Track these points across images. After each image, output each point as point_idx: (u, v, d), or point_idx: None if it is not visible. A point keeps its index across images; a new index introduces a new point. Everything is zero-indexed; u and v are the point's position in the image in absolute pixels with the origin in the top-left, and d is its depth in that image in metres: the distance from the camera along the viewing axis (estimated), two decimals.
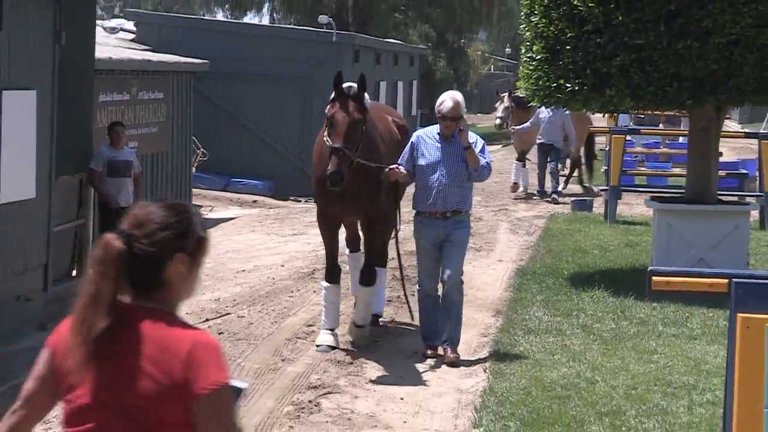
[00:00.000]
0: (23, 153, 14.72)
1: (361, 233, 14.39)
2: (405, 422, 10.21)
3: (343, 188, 12.12)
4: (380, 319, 14.81)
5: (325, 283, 13.58)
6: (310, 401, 10.83)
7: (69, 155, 17.04)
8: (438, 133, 13.03)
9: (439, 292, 13.15)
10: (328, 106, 12.67)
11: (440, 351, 12.85)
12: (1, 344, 13.77)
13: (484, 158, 12.92)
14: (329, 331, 13.28)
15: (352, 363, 12.71)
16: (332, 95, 12.72)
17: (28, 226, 15.03)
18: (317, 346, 13.19)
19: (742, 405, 5.77)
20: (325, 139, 12.47)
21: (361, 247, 14.56)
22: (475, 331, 14.04)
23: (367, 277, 13.54)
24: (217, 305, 15.97)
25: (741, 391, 5.74)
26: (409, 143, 13.31)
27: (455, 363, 12.53)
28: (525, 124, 27.41)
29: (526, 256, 19.89)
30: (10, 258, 14.36)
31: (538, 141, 28.13)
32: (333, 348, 13.10)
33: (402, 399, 11.00)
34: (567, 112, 25.34)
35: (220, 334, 13.70)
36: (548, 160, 28.19)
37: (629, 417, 10.23)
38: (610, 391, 11.12)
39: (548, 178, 28.52)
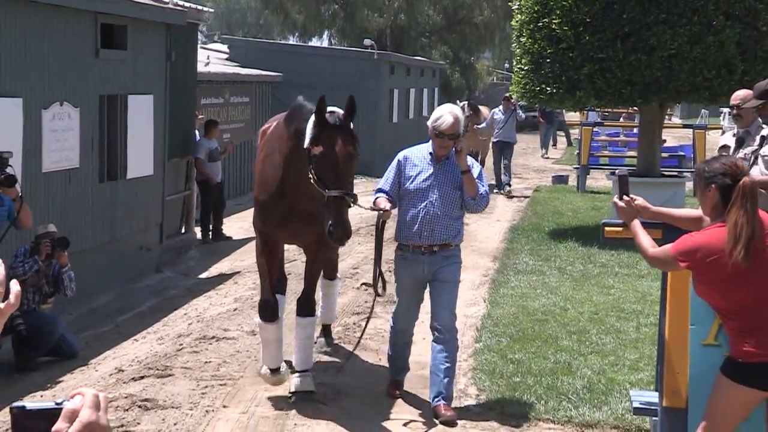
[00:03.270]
0: (144, 141, 14.86)
1: (304, 255, 9.58)
2: (423, 338, 10.12)
3: (295, 209, 8.03)
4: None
5: (260, 321, 8.51)
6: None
7: (177, 143, 17.14)
8: (430, 153, 8.24)
9: (414, 337, 8.76)
10: (311, 140, 7.38)
11: (436, 407, 7.95)
12: (129, 283, 13.84)
13: (483, 186, 8.28)
14: (273, 372, 8.45)
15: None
16: (313, 125, 7.44)
17: (148, 196, 15.16)
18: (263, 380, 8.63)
19: (672, 323, 5.72)
20: (311, 178, 7.35)
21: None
22: (478, 272, 13.94)
23: (306, 306, 8.53)
24: None
25: (671, 311, 5.70)
26: (395, 162, 8.40)
27: (451, 422, 7.84)
28: (482, 125, 25.81)
29: (518, 217, 19.83)
30: (134, 219, 14.49)
31: (494, 140, 25.29)
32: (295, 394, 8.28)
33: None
34: (521, 114, 24.46)
35: None
36: (502, 157, 25.08)
37: (591, 334, 10.21)
38: (577, 315, 11.10)
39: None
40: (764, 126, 9.34)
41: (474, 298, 12.23)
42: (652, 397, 6.14)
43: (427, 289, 8.31)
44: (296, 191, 7.92)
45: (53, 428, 1.86)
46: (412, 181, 8.15)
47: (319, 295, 9.36)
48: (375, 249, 8.30)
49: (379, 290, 8.22)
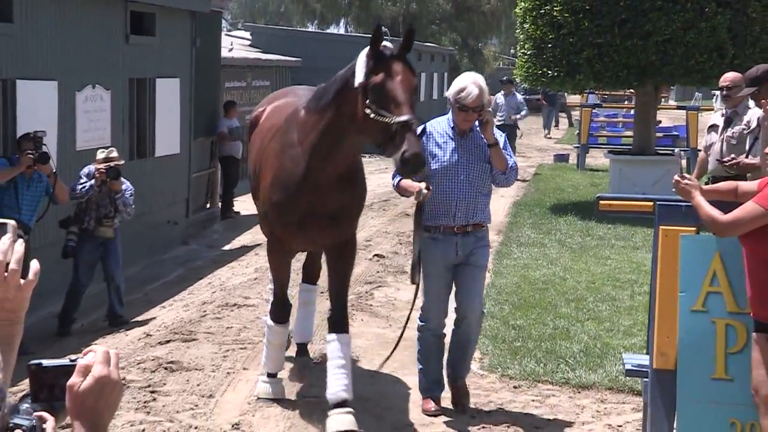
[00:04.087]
0: (171, 122, 14.85)
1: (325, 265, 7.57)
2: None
3: (321, 207, 6.54)
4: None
5: (270, 322, 7.40)
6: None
7: (203, 124, 17.23)
8: (452, 128, 6.99)
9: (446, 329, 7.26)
10: (368, 72, 5.94)
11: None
12: (157, 254, 13.86)
13: (511, 157, 7.08)
14: (271, 378, 7.41)
15: None
16: (368, 57, 6.01)
17: (175, 173, 15.14)
18: (257, 396, 7.38)
19: (663, 290, 5.69)
20: (369, 113, 5.84)
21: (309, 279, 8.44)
22: None
23: (343, 321, 6.89)
24: None
25: (662, 279, 5.67)
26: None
27: (463, 398, 7.15)
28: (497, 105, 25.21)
29: (521, 193, 19.77)
30: (163, 194, 14.49)
31: (497, 123, 25.17)
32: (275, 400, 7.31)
33: None
34: (520, 97, 23.66)
35: None
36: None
37: (588, 302, 10.20)
38: (575, 285, 11.08)
39: None
40: (750, 107, 9.34)
41: None
42: (644, 360, 6.13)
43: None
44: (323, 186, 6.47)
45: (68, 383, 1.88)
46: (438, 159, 6.88)
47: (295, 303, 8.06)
48: (414, 234, 6.91)
49: (417, 278, 6.79)
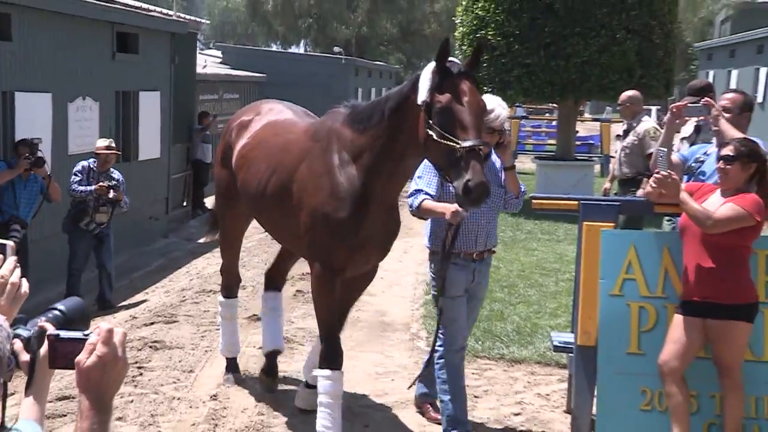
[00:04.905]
0: (152, 129, 14.80)
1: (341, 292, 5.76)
2: (383, 291, 10.10)
3: (376, 228, 5.41)
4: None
5: (333, 372, 5.54)
6: None
7: (180, 131, 17.15)
8: None
9: None
10: (433, 89, 4.77)
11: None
12: (140, 246, 13.76)
13: (521, 183, 6.11)
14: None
15: None
16: (434, 73, 4.82)
17: (156, 175, 15.09)
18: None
19: (586, 277, 5.74)
20: (432, 134, 4.69)
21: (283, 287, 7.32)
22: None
23: (337, 354, 5.62)
24: None
25: (585, 268, 5.72)
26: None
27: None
28: None
29: None
30: (145, 193, 14.37)
31: None
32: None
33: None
34: None
35: None
36: None
37: (519, 288, 10.26)
38: (508, 273, 11.14)
39: None
40: (644, 120, 9.68)
41: (425, 259, 12.21)
42: (569, 337, 6.19)
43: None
44: (385, 204, 5.34)
45: (76, 359, 1.88)
46: None
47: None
48: (442, 260, 5.70)
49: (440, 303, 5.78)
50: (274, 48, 51.22)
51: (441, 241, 5.69)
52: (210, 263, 12.38)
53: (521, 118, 26.95)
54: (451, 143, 4.60)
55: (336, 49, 39.52)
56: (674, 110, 5.82)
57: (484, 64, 16.88)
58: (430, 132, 4.71)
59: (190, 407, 6.39)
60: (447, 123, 4.68)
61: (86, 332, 1.93)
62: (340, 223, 5.24)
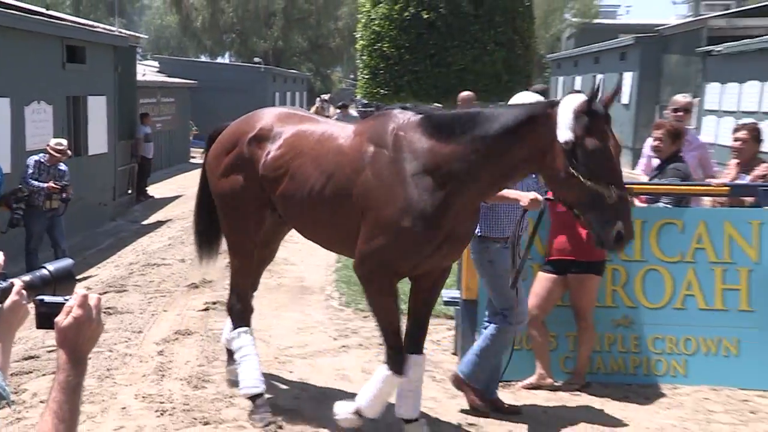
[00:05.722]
0: (100, 128, 14.52)
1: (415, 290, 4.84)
2: (302, 261, 9.97)
3: (454, 232, 4.36)
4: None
5: (393, 376, 4.58)
6: None
7: (124, 130, 16.88)
8: None
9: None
10: (584, 130, 3.90)
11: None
12: (91, 228, 13.40)
13: None
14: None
15: None
16: (580, 112, 3.91)
17: (104, 167, 14.80)
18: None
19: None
20: (575, 174, 3.88)
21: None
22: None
23: (421, 342, 4.81)
24: None
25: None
26: None
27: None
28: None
29: None
30: (95, 183, 14.05)
31: None
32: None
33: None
34: (354, 114, 22.08)
35: None
36: None
37: None
38: None
39: None
40: None
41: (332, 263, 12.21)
42: (456, 293, 6.25)
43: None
44: (462, 212, 4.34)
45: (55, 320, 1.84)
46: None
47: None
48: (528, 244, 4.89)
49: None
50: (202, 59, 50.22)
51: (513, 228, 4.88)
52: (153, 241, 12.14)
53: None
54: (602, 189, 3.90)
55: (256, 59, 39.21)
56: None
57: (381, 71, 16.96)
58: (574, 172, 3.92)
59: (140, 362, 6.27)
60: (596, 167, 3.91)
61: (66, 297, 1.89)
62: (415, 238, 4.25)
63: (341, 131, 4.76)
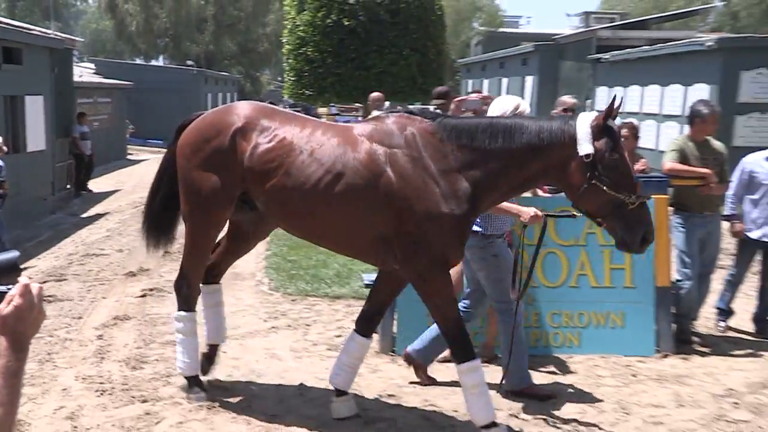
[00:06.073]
0: (38, 126, 13.93)
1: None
2: None
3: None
4: None
5: (472, 363, 4.25)
6: None
7: (62, 128, 16.32)
8: None
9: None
10: (609, 145, 3.97)
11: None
12: (32, 221, 12.92)
13: None
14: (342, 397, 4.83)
15: None
16: (601, 128, 3.98)
17: (43, 163, 14.23)
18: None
19: None
20: (599, 186, 3.94)
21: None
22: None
23: (470, 343, 4.33)
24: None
25: None
26: None
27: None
28: None
29: None
30: (34, 178, 13.53)
31: None
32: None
33: None
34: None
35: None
36: None
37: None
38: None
39: None
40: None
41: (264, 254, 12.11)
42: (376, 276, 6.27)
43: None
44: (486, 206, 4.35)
45: None
46: None
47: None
48: (533, 259, 4.78)
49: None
50: (137, 61, 48.94)
51: (510, 226, 5.02)
52: (92, 233, 11.80)
53: (335, 114, 26.96)
54: (623, 197, 3.93)
55: (189, 62, 38.43)
56: (458, 103, 5.94)
57: (306, 74, 16.85)
58: (597, 183, 3.93)
59: (80, 346, 6.11)
60: (616, 176, 3.94)
61: (9, 286, 1.82)
62: (458, 221, 4.09)
63: (341, 132, 4.45)
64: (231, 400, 4.96)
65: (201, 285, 5.09)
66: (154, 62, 51.37)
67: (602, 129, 3.97)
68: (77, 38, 24.22)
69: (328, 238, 4.53)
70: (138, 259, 9.34)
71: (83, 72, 25.45)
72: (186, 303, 4.98)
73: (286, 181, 4.36)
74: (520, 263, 4.67)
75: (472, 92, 7.88)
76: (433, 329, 5.25)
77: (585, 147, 3.95)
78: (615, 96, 4.05)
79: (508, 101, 4.84)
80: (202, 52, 49.64)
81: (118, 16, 48.92)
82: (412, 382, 5.32)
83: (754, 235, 6.55)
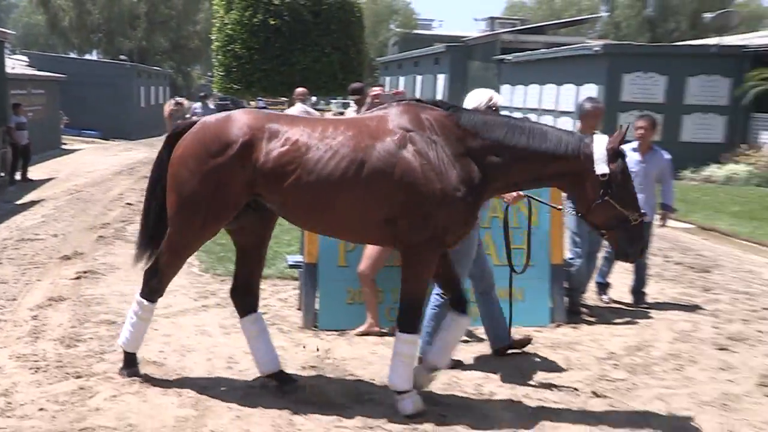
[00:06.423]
0: None
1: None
2: None
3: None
4: None
5: (412, 336, 4.30)
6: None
7: None
8: None
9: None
10: (620, 168, 4.10)
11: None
12: None
13: None
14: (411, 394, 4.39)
15: None
16: (612, 153, 4.09)
17: None
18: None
19: None
20: (611, 203, 4.08)
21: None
22: None
23: (420, 320, 4.46)
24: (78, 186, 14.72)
25: None
26: None
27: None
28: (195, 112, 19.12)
29: None
30: None
31: None
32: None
33: None
34: (212, 106, 20.38)
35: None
36: None
37: None
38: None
39: None
40: (306, 104, 9.87)
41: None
42: (299, 258, 6.26)
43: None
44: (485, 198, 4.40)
45: None
46: None
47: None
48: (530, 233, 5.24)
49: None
50: (71, 55, 46.94)
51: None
52: (26, 218, 11.27)
53: (263, 107, 26.63)
54: (628, 213, 4.10)
55: (122, 57, 37.17)
56: (373, 97, 5.96)
57: (234, 69, 16.56)
58: (610, 200, 4.07)
59: (15, 326, 5.85)
60: (625, 195, 4.10)
61: None
62: (467, 206, 4.11)
63: (353, 123, 4.29)
64: (163, 374, 4.85)
65: (241, 319, 4.68)
66: (88, 56, 49.39)
67: (616, 152, 4.09)
68: (9, 31, 22.97)
69: (344, 228, 4.34)
70: (72, 244, 8.99)
71: (16, 64, 24.27)
72: (152, 294, 4.65)
73: (307, 178, 4.13)
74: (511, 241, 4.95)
75: (391, 91, 7.89)
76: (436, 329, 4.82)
77: (602, 167, 4.06)
78: (622, 126, 4.22)
79: (483, 94, 4.91)
80: (135, 48, 48.11)
81: (50, 11, 46.84)
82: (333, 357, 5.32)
83: None
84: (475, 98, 4.87)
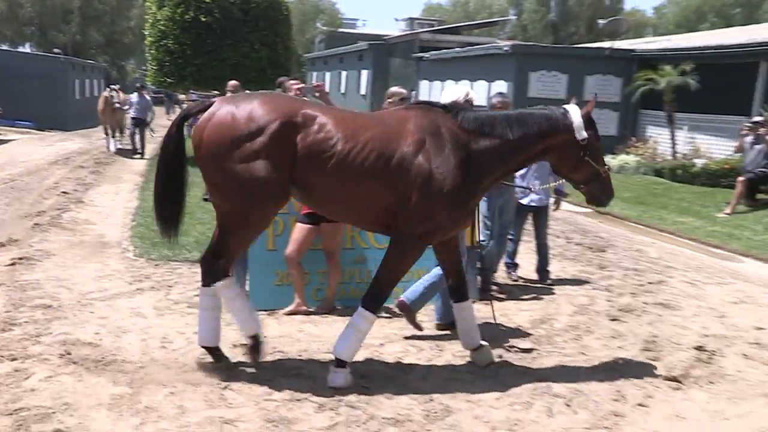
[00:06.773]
0: None
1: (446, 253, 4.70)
2: (102, 221, 9.22)
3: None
4: None
5: (373, 316, 4.33)
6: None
7: None
8: None
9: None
10: (593, 132, 4.46)
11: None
12: None
13: None
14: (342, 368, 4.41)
15: None
16: (586, 121, 4.43)
17: None
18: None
19: None
20: (588, 161, 4.45)
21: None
22: (132, 184, 12.97)
23: (382, 304, 4.43)
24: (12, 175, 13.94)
25: None
26: None
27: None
28: (125, 106, 18.51)
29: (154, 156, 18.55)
30: None
31: (132, 116, 17.69)
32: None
33: None
34: (148, 98, 17.99)
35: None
36: (137, 129, 17.51)
37: (197, 213, 9.78)
38: (193, 201, 10.65)
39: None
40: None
41: (132, 198, 11.47)
42: None
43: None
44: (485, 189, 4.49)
45: None
46: None
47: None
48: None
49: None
50: (5, 47, 44.30)
51: None
52: None
53: (195, 100, 25.89)
54: (600, 168, 4.49)
55: (55, 50, 35.28)
56: (297, 90, 5.89)
57: (167, 63, 16.02)
58: (588, 159, 4.43)
59: None
60: (598, 153, 4.48)
61: None
62: (465, 209, 4.29)
63: (378, 120, 4.27)
64: (99, 355, 4.68)
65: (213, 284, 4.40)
66: (21, 49, 46.76)
67: (590, 119, 4.44)
68: None
69: (355, 215, 4.33)
70: (7, 231, 8.53)
71: None
72: (214, 276, 4.36)
73: (339, 167, 4.06)
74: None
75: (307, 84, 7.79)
76: (424, 281, 5.27)
77: (581, 133, 4.39)
78: (595, 94, 4.87)
79: (459, 90, 5.06)
80: (69, 42, 45.86)
81: None
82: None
83: (524, 201, 6.98)
84: (453, 94, 4.99)
